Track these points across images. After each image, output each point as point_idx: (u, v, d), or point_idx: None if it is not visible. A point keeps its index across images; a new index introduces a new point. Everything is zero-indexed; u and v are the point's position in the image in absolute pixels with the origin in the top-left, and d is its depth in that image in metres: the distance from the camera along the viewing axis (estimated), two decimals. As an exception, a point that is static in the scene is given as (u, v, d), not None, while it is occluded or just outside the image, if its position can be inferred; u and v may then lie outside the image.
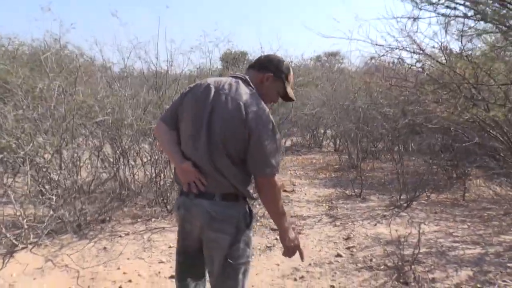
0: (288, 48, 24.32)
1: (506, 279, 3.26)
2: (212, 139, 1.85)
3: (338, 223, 4.72)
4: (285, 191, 6.32)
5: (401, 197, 5.49)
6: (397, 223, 4.68)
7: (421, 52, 3.31)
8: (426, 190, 5.77)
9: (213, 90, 1.91)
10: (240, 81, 1.95)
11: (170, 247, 3.96)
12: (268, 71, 1.99)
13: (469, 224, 4.75)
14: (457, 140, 5.40)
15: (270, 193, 1.87)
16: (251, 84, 1.96)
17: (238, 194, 1.90)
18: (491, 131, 3.36)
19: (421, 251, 3.78)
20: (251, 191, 1.94)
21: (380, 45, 3.53)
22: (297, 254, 2.00)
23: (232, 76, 2.01)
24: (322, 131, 12.25)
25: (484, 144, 3.96)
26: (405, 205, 5.36)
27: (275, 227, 4.67)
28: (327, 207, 5.48)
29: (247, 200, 1.96)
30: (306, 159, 9.81)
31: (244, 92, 1.88)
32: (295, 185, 6.80)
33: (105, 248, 3.93)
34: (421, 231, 3.93)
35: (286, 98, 2.11)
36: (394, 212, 5.17)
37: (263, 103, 1.89)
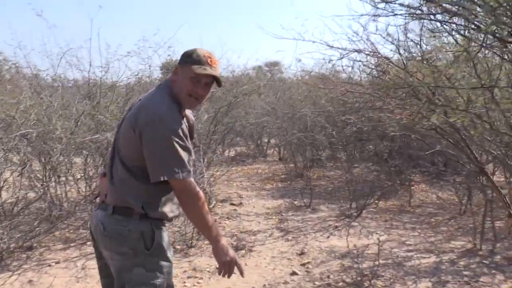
0: (231, 56, 24.04)
1: (465, 288, 3.19)
2: (114, 148, 1.78)
3: (290, 237, 4.51)
4: (232, 204, 6.04)
5: (351, 206, 5.40)
6: (350, 234, 4.54)
7: (379, 55, 3.20)
8: (375, 197, 5.74)
9: (137, 100, 1.85)
10: (157, 86, 1.84)
11: (107, 274, 3.53)
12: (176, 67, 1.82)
13: (419, 231, 4.72)
14: (406, 147, 5.41)
15: (185, 200, 1.67)
16: (161, 85, 1.81)
17: (133, 209, 1.68)
18: (449, 138, 3.30)
19: (377, 262, 3.65)
20: (159, 209, 1.73)
21: (336, 48, 3.36)
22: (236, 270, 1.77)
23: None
24: (266, 140, 12.12)
25: (443, 151, 3.91)
26: (355, 214, 5.27)
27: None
28: (277, 220, 5.26)
29: (154, 219, 1.72)
30: (251, 169, 9.58)
31: (150, 95, 1.77)
32: (242, 197, 6.53)
33: (30, 281, 3.42)
34: (376, 242, 3.81)
35: (211, 80, 1.78)
36: (345, 222, 5.04)
37: (165, 101, 1.70)
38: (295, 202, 6.07)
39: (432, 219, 5.26)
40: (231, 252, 1.73)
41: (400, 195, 6.68)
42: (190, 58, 1.73)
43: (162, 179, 1.61)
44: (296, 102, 7.54)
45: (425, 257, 3.81)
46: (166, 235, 1.77)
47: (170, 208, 1.76)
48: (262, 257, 3.92)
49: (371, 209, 5.69)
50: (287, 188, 7.25)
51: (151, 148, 1.61)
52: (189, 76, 1.72)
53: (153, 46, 5.88)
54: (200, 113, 5.48)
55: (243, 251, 4.04)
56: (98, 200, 1.85)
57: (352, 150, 5.97)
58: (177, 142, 1.61)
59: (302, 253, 3.98)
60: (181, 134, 1.63)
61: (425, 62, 2.93)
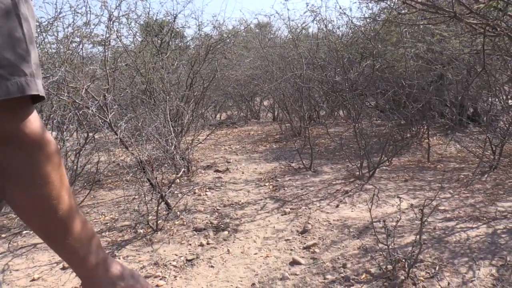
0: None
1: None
2: None
3: (287, 208, 3.49)
4: (217, 171, 5.01)
5: (362, 165, 4.37)
6: (365, 200, 3.54)
7: None
8: (388, 153, 4.72)
9: None
10: None
11: (34, 279, 2.52)
12: None
13: (451, 191, 3.72)
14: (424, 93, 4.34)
15: (19, 167, 0.59)
16: None
17: None
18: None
19: (409, 238, 2.65)
20: None
21: None
22: None
23: None
24: (259, 99, 11.08)
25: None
26: (368, 174, 4.25)
27: (202, 225, 3.38)
28: (271, 187, 4.23)
29: None
30: (242, 131, 8.54)
31: None
32: (229, 162, 5.49)
33: None
34: (400, 207, 2.80)
35: None
36: (356, 185, 4.03)
37: None
38: (293, 164, 5.05)
39: (460, 175, 4.27)
40: (135, 279, 0.72)
41: (414, 149, 5.72)
42: None
43: None
44: (289, 43, 6.28)
45: (472, 228, 2.80)
46: None
47: None
48: (251, 240, 2.89)
49: (385, 168, 4.70)
50: (282, 149, 6.22)
51: None
52: None
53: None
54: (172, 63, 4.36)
55: (226, 233, 3.01)
56: None
57: (361, 95, 4.85)
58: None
59: (304, 231, 2.96)
60: None
61: None
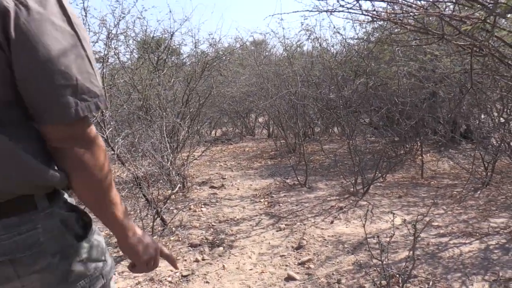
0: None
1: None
2: None
3: (283, 224, 3.51)
4: (212, 187, 5.02)
5: (356, 181, 4.41)
6: (359, 216, 3.57)
7: None
8: (383, 169, 4.76)
9: None
10: None
11: None
12: None
13: (444, 208, 3.76)
14: (417, 109, 4.42)
15: (78, 154, 0.84)
16: None
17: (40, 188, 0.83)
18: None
19: (403, 254, 2.67)
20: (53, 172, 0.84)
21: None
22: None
23: None
24: (254, 116, 11.15)
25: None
26: (362, 191, 4.28)
27: (197, 241, 3.39)
28: (266, 203, 4.25)
29: (61, 194, 0.91)
30: (238, 148, 8.58)
31: None
32: (225, 178, 5.51)
33: None
34: (394, 223, 2.83)
35: None
36: (351, 201, 4.06)
37: None
38: (288, 181, 5.08)
39: (454, 191, 4.32)
40: (151, 240, 1.01)
41: (408, 166, 5.77)
42: None
43: (63, 117, 0.79)
44: (284, 60, 6.40)
45: (465, 243, 2.83)
46: None
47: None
48: (247, 256, 2.91)
49: (379, 184, 4.74)
50: (277, 166, 6.26)
51: (43, 48, 0.75)
52: None
53: None
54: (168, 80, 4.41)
55: (221, 248, 3.03)
56: None
57: (355, 112, 4.92)
58: (79, 31, 0.83)
59: (299, 247, 2.98)
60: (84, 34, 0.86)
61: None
